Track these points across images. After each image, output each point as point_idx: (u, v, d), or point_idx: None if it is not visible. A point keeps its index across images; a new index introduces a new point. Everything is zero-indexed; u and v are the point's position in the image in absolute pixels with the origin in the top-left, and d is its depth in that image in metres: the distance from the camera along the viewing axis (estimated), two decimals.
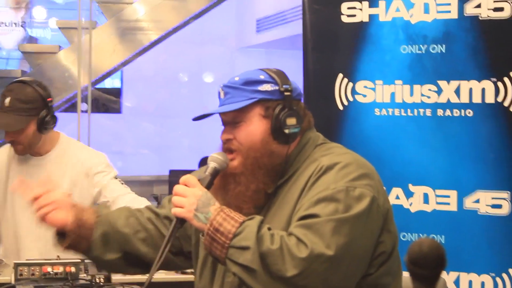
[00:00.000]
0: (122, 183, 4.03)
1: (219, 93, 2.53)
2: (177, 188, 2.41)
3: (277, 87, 2.48)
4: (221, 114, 2.52)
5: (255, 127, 2.46)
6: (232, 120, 2.49)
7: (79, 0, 6.77)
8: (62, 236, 2.61)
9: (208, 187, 2.43)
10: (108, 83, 11.05)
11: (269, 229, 2.29)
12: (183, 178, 2.42)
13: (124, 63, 8.48)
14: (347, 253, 2.24)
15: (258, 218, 2.32)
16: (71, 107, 8.01)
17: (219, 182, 2.48)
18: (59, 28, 8.49)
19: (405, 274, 1.82)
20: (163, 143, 11.11)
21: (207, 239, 2.31)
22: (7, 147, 4.05)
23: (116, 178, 4.02)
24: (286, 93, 2.47)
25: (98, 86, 9.23)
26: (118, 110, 11.29)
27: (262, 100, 2.47)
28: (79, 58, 6.69)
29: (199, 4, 8.36)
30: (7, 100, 3.78)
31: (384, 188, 2.48)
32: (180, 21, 8.41)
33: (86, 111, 6.53)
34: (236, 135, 2.48)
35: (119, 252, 2.65)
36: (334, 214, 2.26)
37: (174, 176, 8.64)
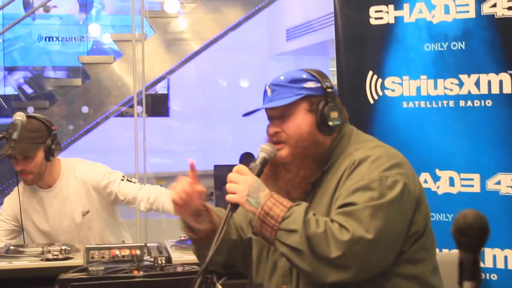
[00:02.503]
0: (130, 180, 4.01)
1: (265, 92, 2.53)
2: (230, 175, 2.40)
3: (319, 84, 2.49)
4: (268, 109, 2.52)
5: (302, 120, 2.45)
6: (279, 114, 2.48)
7: (133, 15, 6.75)
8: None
9: (259, 174, 2.42)
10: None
11: (313, 214, 2.27)
12: (236, 167, 2.42)
13: (171, 71, 8.49)
14: (384, 235, 2.22)
15: (304, 204, 2.31)
16: (124, 112, 8.05)
17: (270, 171, 2.47)
18: (114, 41, 8.52)
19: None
20: (207, 142, 11.13)
21: (258, 221, 2.31)
22: (14, 193, 4.01)
23: (123, 180, 3.99)
24: (328, 90, 2.47)
25: (147, 93, 9.25)
26: (166, 114, 11.30)
27: (308, 96, 2.47)
28: (134, 67, 6.68)
29: (235, 17, 8.37)
30: (16, 132, 3.73)
31: (415, 174, 2.45)
32: (218, 32, 8.43)
33: (140, 115, 6.51)
34: (284, 128, 2.47)
35: (225, 256, 2.66)
36: (370, 201, 2.25)
37: (218, 171, 8.62)
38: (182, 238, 3.72)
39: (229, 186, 2.38)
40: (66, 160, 4.07)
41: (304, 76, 2.50)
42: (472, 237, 1.52)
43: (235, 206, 2.37)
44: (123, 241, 3.74)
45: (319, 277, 2.24)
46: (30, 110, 7.95)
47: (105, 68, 8.12)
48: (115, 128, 9.25)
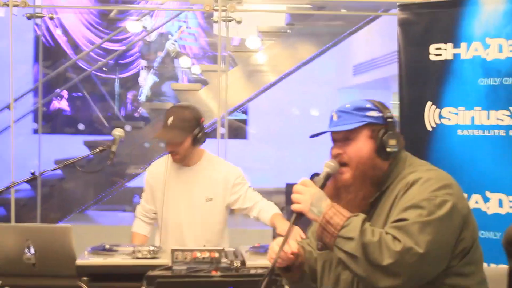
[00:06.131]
0: (254, 191, 4.03)
1: (331, 116, 2.51)
2: (296, 187, 2.38)
3: (381, 114, 2.46)
4: (333, 133, 2.50)
5: (363, 145, 2.43)
6: (343, 138, 2.47)
7: (219, 49, 6.80)
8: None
9: (322, 187, 2.40)
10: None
11: (370, 225, 2.25)
12: (301, 180, 2.40)
13: (250, 99, 8.52)
14: (432, 248, 2.19)
15: (362, 215, 2.28)
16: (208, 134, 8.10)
17: (333, 191, 2.45)
18: (202, 71, 8.62)
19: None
20: (280, 162, 11.13)
21: (319, 229, 2.30)
22: (164, 158, 4.09)
23: (250, 187, 4.02)
24: (388, 120, 2.45)
25: (229, 118, 9.29)
26: (244, 137, 11.36)
27: (370, 124, 2.44)
28: (219, 94, 6.74)
29: (307, 53, 8.36)
30: (170, 119, 3.86)
31: (464, 195, 2.39)
32: (293, 66, 8.42)
33: (223, 136, 6.54)
34: (346, 150, 2.45)
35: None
36: (419, 218, 2.22)
37: (290, 188, 8.56)
38: (256, 245, 3.71)
39: (294, 197, 2.36)
40: (210, 154, 4.12)
41: (368, 105, 2.48)
42: None
43: (299, 214, 2.36)
44: (204, 245, 3.74)
45: (372, 282, 2.21)
46: (128, 128, 8.08)
47: (193, 95, 8.19)
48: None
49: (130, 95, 10.72)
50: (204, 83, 8.41)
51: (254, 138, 11.57)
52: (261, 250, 3.63)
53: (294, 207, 2.35)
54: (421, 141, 3.82)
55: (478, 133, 3.71)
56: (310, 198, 2.32)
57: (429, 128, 3.84)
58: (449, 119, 3.79)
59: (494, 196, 3.63)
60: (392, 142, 2.42)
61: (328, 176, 2.44)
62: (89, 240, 4.03)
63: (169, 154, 3.99)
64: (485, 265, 2.49)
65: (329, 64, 11.29)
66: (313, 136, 2.56)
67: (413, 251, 2.16)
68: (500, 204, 3.60)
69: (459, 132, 3.76)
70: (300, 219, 2.41)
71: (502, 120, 3.64)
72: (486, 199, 3.64)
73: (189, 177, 4.02)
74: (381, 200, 2.42)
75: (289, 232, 2.34)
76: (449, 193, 2.29)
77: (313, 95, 11.88)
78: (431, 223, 2.21)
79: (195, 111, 3.96)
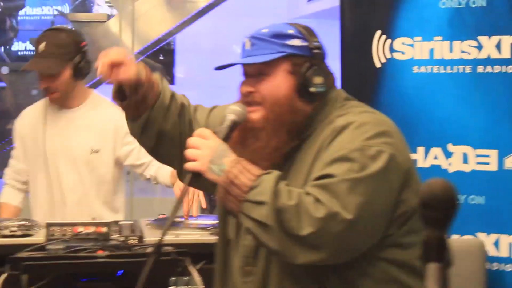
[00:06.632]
0: None
1: (244, 44, 2.46)
2: (190, 140, 2.32)
3: (306, 43, 2.42)
4: (245, 65, 2.44)
5: (280, 82, 2.39)
6: (256, 72, 2.42)
7: None
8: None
9: (225, 139, 2.35)
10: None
11: (286, 185, 2.22)
12: (198, 131, 2.35)
13: (173, 32, 8.42)
14: (363, 213, 2.17)
15: (276, 173, 2.24)
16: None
17: (237, 136, 2.41)
18: None
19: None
20: None
21: (221, 191, 2.25)
22: (40, 103, 4.05)
23: None
24: (315, 51, 2.41)
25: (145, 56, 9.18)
26: (170, 82, 11.27)
27: (290, 55, 2.39)
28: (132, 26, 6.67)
29: None
30: (42, 45, 3.80)
31: (406, 145, 2.37)
32: None
33: None
34: (259, 88, 2.40)
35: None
36: (349, 174, 2.19)
37: None
38: (160, 216, 3.69)
39: (188, 153, 2.31)
40: (99, 95, 4.08)
41: (290, 31, 2.42)
42: (438, 210, 1.48)
43: (195, 175, 2.31)
44: (94, 218, 3.71)
45: (288, 257, 2.20)
46: (5, 70, 7.92)
47: (99, 28, 8.07)
48: (108, 94, 9.22)
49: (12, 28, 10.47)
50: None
51: (183, 83, 11.49)
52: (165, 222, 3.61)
53: (189, 165, 2.30)
54: (367, 80, 3.83)
55: (438, 69, 3.73)
56: (210, 154, 2.27)
57: (378, 64, 3.84)
58: (403, 53, 3.81)
59: (457, 150, 3.66)
60: (318, 79, 2.38)
61: (233, 125, 2.40)
62: None
63: (46, 94, 3.93)
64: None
65: None
66: (218, 68, 2.53)
67: (339, 217, 2.14)
68: (465, 159, 3.63)
69: (415, 69, 3.77)
70: (198, 181, 2.37)
71: (468, 53, 3.66)
72: (448, 154, 3.67)
73: (70, 122, 3.97)
74: (301, 151, 2.39)
75: (182, 195, 2.31)
76: (387, 142, 2.28)
77: (258, 28, 11.84)
78: (363, 180, 2.19)
79: (75, 33, 3.95)
